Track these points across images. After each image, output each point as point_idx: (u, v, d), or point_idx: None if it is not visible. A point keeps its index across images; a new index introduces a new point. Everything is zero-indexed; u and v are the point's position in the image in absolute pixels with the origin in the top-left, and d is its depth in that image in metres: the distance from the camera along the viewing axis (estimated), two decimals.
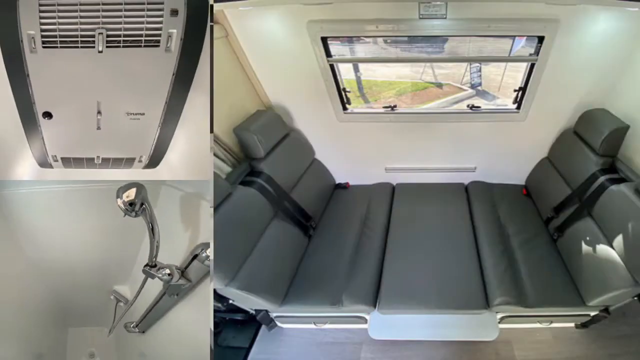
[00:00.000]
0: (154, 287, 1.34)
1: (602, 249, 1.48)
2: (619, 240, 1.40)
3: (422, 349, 1.71)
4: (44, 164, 1.55)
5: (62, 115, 1.42)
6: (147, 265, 1.25)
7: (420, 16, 1.41)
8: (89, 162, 1.56)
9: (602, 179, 1.60)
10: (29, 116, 1.41)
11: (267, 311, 1.67)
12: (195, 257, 1.26)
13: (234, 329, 1.86)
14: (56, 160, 1.55)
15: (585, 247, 1.57)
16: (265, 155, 1.72)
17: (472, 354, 1.70)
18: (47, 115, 1.42)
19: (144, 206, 1.19)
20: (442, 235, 1.83)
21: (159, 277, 1.25)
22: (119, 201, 1.17)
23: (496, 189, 2.09)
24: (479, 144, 1.95)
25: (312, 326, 1.75)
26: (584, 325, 1.72)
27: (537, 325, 1.70)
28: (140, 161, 1.59)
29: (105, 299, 1.64)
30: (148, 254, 1.25)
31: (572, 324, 1.74)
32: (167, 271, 1.24)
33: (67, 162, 1.55)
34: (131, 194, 1.18)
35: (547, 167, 1.96)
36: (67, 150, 1.51)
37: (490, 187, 2.10)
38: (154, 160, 1.59)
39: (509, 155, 1.99)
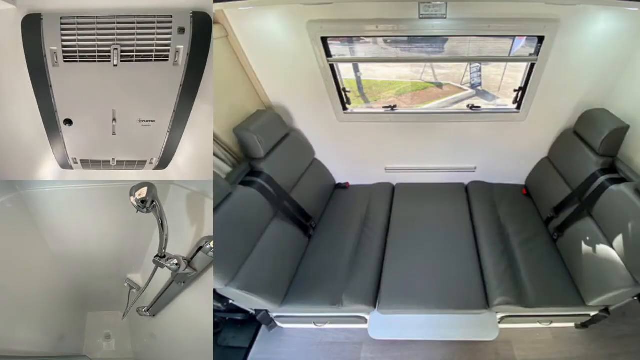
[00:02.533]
0: (163, 275, 1.50)
1: (602, 249, 1.54)
2: (619, 240, 1.45)
3: (422, 349, 1.77)
4: (64, 165, 1.74)
5: (81, 122, 1.63)
6: (157, 256, 1.42)
7: (420, 16, 1.46)
8: (105, 164, 1.74)
9: (602, 179, 1.66)
10: (51, 123, 1.60)
11: (267, 311, 1.74)
12: (200, 248, 1.40)
13: (234, 329, 1.95)
14: (76, 162, 1.77)
15: (585, 247, 1.62)
16: (265, 155, 1.79)
17: (472, 354, 1.76)
18: (68, 122, 1.64)
19: (154, 203, 1.34)
20: (442, 235, 1.89)
21: (167, 267, 1.41)
22: (132, 199, 1.32)
23: (496, 189, 2.15)
24: (479, 144, 2.01)
25: (312, 326, 1.82)
26: (584, 325, 1.77)
27: (537, 325, 1.76)
28: (151, 163, 1.78)
29: (120, 286, 1.86)
30: (158, 245, 1.39)
31: (572, 324, 1.80)
32: (175, 261, 1.40)
33: (86, 164, 1.75)
34: (143, 192, 1.34)
35: (547, 167, 2.02)
36: (85, 153, 1.72)
37: (490, 187, 2.16)
38: (164, 162, 1.79)
39: (509, 155, 2.05)
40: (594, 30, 1.56)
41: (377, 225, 1.98)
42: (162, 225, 1.39)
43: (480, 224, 1.95)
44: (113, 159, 1.74)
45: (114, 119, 1.62)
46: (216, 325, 1.91)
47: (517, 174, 2.12)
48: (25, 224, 1.71)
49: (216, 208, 1.53)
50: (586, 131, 1.81)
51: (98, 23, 1.42)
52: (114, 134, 1.63)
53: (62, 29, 1.41)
